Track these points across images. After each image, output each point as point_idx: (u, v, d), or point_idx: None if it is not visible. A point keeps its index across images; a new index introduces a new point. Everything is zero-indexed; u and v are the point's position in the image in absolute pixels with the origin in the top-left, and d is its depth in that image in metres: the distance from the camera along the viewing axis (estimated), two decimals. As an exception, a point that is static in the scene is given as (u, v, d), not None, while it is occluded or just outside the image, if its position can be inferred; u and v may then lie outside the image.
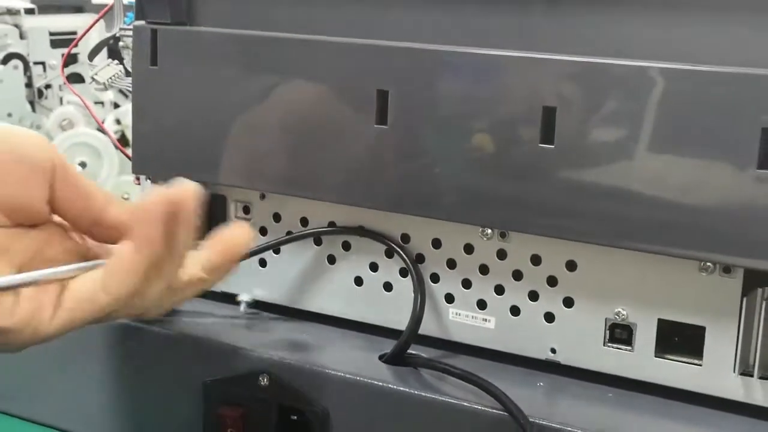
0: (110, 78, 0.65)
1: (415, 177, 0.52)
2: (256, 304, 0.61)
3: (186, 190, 0.43)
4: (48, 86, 1.15)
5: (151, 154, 0.60)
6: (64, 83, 0.99)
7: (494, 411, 0.48)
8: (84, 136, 1.05)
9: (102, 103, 1.12)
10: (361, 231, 0.57)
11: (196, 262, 0.47)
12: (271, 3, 0.58)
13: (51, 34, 1.17)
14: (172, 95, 0.59)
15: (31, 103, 1.17)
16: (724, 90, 0.45)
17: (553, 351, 0.53)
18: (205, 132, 0.58)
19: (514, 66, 0.49)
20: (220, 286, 0.61)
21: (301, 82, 0.55)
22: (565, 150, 0.48)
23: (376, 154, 0.53)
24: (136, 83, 0.60)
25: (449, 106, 0.51)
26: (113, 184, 1.05)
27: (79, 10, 1.54)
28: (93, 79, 0.66)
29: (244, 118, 0.57)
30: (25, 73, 1.16)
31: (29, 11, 1.20)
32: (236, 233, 0.49)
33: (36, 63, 1.17)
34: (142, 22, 0.60)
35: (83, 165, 1.06)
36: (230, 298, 0.61)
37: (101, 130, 1.02)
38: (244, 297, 0.60)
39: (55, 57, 1.08)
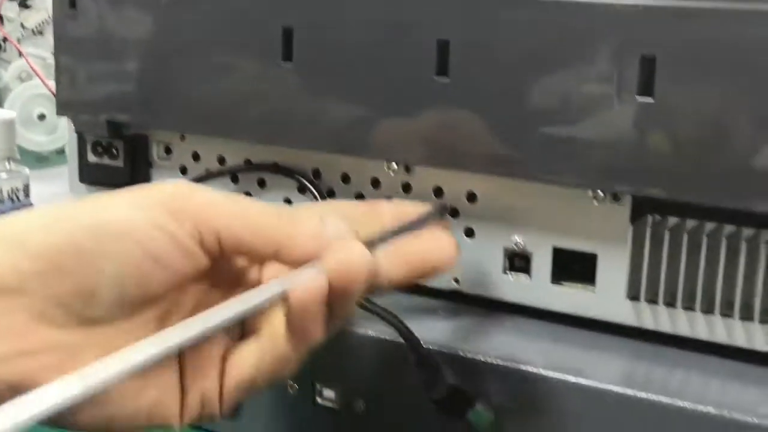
0: (39, 24, 0.65)
1: (321, 113, 0.53)
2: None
3: (352, 264, 0.38)
4: (5, 39, 1.16)
5: (74, 97, 0.62)
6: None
7: (393, 338, 0.50)
8: (43, 87, 1.05)
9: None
10: (275, 168, 0.58)
11: (384, 267, 0.41)
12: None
13: (8, -14, 1.18)
14: (91, 38, 0.60)
15: (-10, 56, 1.18)
16: (600, 20, 0.46)
17: (456, 281, 0.54)
18: (124, 73, 0.59)
19: None
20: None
21: (211, 20, 0.56)
22: (460, 83, 0.49)
23: (284, 91, 0.54)
24: (56, 27, 0.61)
25: (351, 41, 0.52)
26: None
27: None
28: (22, 25, 0.66)
29: (160, 59, 0.58)
30: (-18, 27, 1.17)
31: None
32: (438, 246, 0.43)
33: (-6, 16, 1.18)
34: (60, -34, 0.61)
35: (42, 117, 1.07)
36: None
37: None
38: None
39: (13, 9, 1.09)
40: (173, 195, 0.39)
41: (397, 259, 0.42)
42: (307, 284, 0.38)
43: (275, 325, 0.39)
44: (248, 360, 0.40)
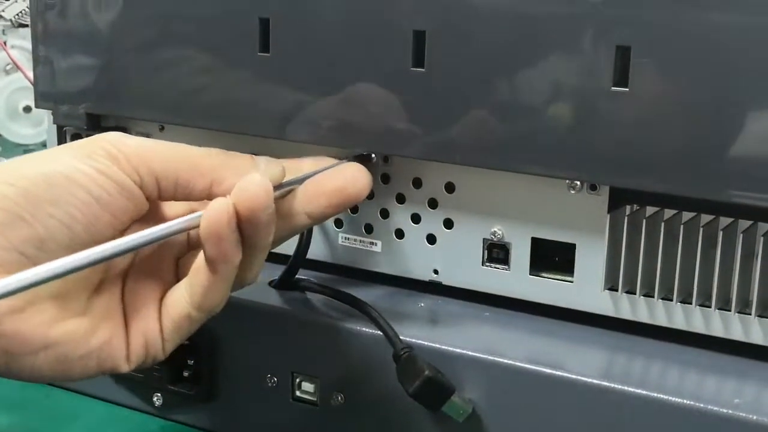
0: (17, 14, 0.65)
1: (298, 104, 0.53)
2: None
3: (249, 188, 0.41)
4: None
5: (52, 89, 0.61)
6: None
7: (371, 330, 0.49)
8: (28, 80, 1.05)
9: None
10: (254, 159, 0.57)
11: (301, 201, 0.46)
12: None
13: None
14: (69, 29, 0.59)
15: (-26, 48, 1.18)
16: (578, 9, 0.45)
17: (436, 272, 0.54)
18: (103, 65, 0.59)
19: (385, -10, 0.50)
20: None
21: (189, 12, 0.56)
22: (437, 73, 0.49)
23: (260, 82, 0.54)
24: (33, 18, 0.61)
25: (328, 32, 0.51)
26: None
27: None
28: (1, 16, 0.66)
29: (139, 50, 0.58)
30: (-33, 20, 1.16)
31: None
32: (352, 175, 0.47)
33: (-21, 8, 1.18)
34: (37, -43, 0.60)
35: (28, 109, 1.07)
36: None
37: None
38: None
39: (-2, 1, 1.09)
40: (112, 142, 0.43)
41: (314, 192, 0.46)
42: (213, 209, 0.41)
43: (199, 257, 0.43)
44: (181, 295, 0.43)
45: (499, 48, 0.47)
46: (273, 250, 0.58)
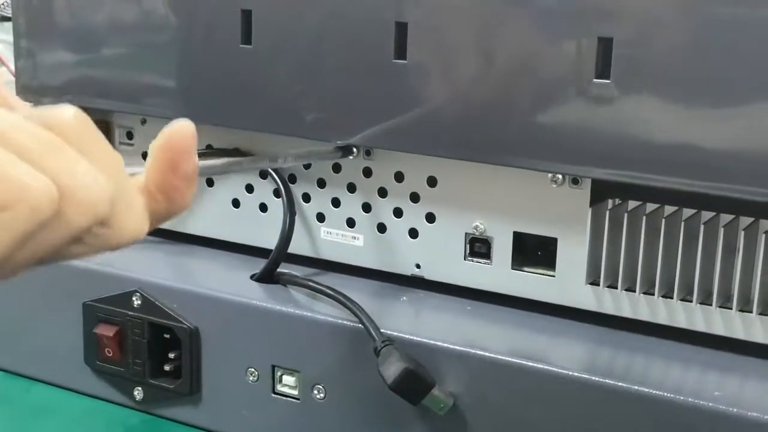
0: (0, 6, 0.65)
1: (280, 97, 0.53)
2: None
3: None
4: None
5: (34, 81, 0.61)
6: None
7: (352, 324, 0.49)
8: (12, 75, 1.05)
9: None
10: (236, 153, 0.57)
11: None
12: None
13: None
14: (51, 21, 0.59)
15: (-41, 43, 1.17)
16: (557, 1, 0.45)
17: (418, 266, 0.53)
18: (85, 57, 0.59)
19: (369, -18, 0.50)
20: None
21: (172, 3, 0.55)
22: (418, 65, 0.49)
23: (244, 74, 0.54)
24: (15, 8, 0.60)
25: (310, 24, 0.51)
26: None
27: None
28: (-18, 8, 0.66)
29: (122, 42, 0.57)
30: (-48, 13, 1.16)
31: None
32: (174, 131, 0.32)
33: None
34: (19, -53, 0.60)
35: (13, 103, 1.06)
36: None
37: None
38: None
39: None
40: None
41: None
42: None
43: None
44: None
45: (482, 40, 0.47)
46: (255, 244, 0.58)
